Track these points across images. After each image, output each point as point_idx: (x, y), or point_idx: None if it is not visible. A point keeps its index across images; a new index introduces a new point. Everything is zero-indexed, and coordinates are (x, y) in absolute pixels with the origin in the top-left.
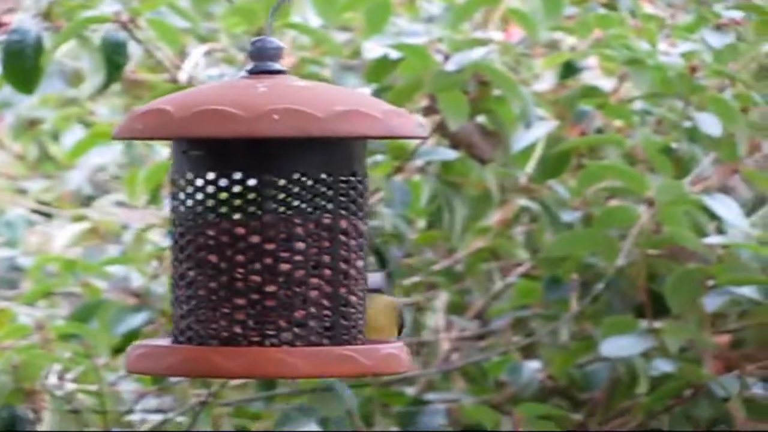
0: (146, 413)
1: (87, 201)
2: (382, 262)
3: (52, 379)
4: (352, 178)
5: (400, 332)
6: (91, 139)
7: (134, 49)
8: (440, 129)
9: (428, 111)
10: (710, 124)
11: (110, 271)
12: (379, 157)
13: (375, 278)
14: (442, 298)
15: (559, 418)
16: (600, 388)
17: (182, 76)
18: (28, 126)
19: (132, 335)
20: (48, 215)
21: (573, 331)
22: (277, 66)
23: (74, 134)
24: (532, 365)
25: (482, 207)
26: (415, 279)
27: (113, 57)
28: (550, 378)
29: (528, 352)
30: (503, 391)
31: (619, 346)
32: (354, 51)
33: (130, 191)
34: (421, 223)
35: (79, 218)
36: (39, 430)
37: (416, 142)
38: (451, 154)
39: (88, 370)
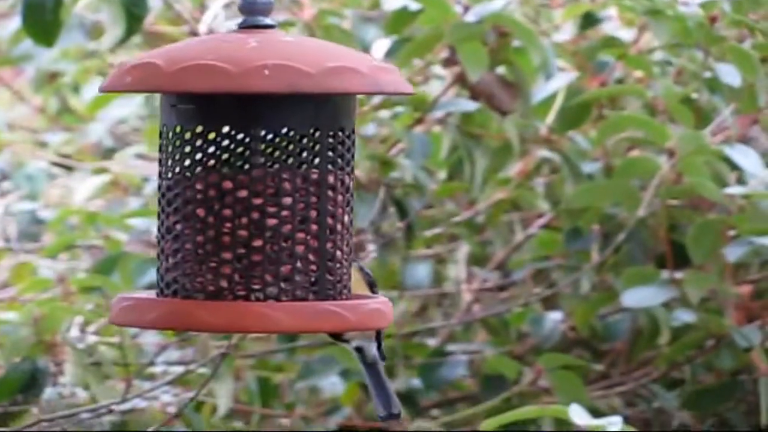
0: (168, 365)
1: (108, 153)
2: (403, 214)
3: (74, 332)
4: (340, 134)
5: (373, 289)
6: (105, 93)
7: (154, 2)
8: (460, 80)
9: (448, 62)
10: (730, 74)
11: (131, 223)
12: (399, 109)
13: None
14: (463, 250)
15: (580, 369)
16: (621, 338)
17: (202, 28)
18: (49, 79)
19: (153, 287)
20: (69, 168)
21: (594, 282)
22: (267, 21)
23: (94, 87)
24: (554, 316)
25: (502, 158)
26: (436, 230)
27: (133, 9)
28: (572, 329)
29: (549, 303)
30: (525, 342)
31: (641, 296)
32: (373, 2)
33: (151, 143)
34: (442, 174)
35: (100, 171)
36: (60, 382)
37: (436, 93)
38: (471, 106)
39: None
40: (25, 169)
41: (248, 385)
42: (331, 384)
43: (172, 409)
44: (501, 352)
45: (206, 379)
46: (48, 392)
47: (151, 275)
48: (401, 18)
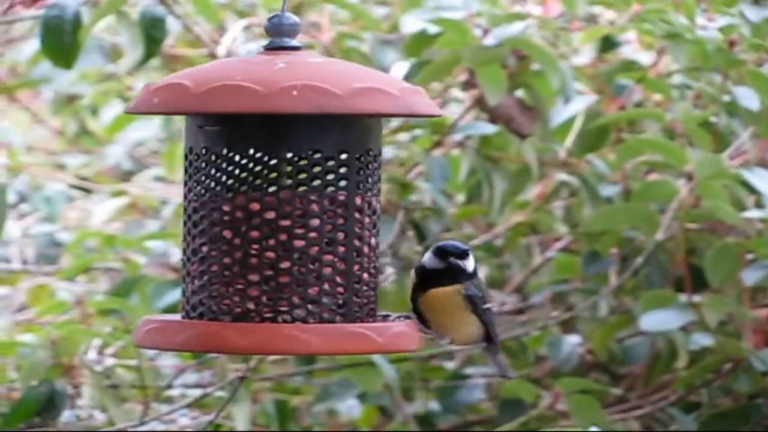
0: (186, 388)
1: (126, 176)
2: (421, 237)
3: (92, 355)
4: (367, 156)
5: (477, 313)
6: (130, 115)
7: (173, 24)
8: (479, 103)
9: (467, 85)
10: (748, 97)
11: (149, 246)
12: (418, 132)
13: (432, 260)
14: (481, 273)
15: (598, 393)
16: (639, 362)
17: (221, 51)
18: (67, 101)
19: (171, 310)
20: (87, 190)
21: (612, 306)
22: (293, 42)
23: (113, 109)
24: (572, 339)
25: (521, 181)
26: None
27: (152, 32)
28: (590, 352)
29: (567, 326)
30: (543, 365)
31: (659, 320)
32: (392, 25)
33: (169, 166)
34: (461, 197)
35: (119, 193)
36: (78, 404)
37: (455, 117)
38: (490, 129)
39: (128, 345)
40: (43, 192)
41: (266, 408)
42: (349, 407)
43: None
44: (519, 375)
45: (224, 402)
46: (66, 415)
47: (170, 298)
48: (420, 41)
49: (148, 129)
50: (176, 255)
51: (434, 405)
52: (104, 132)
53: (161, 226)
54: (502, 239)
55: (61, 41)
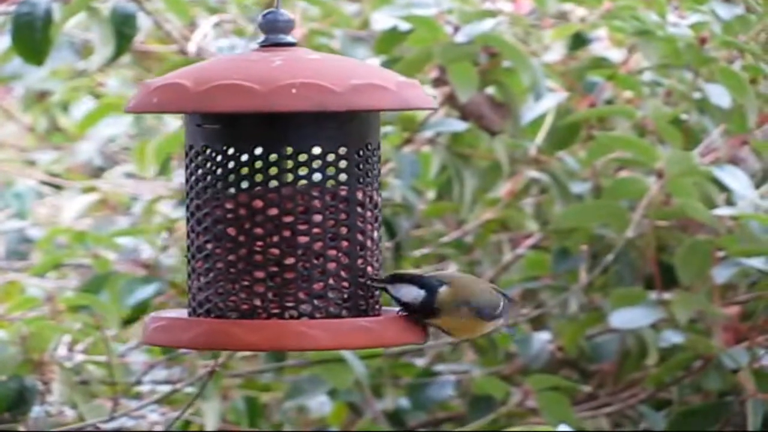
0: (155, 384)
1: (97, 172)
2: (392, 233)
3: (62, 351)
4: (367, 150)
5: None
6: (101, 111)
7: (143, 21)
8: (450, 100)
9: (438, 82)
10: (720, 95)
11: (120, 242)
12: (388, 129)
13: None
14: (452, 270)
15: (568, 390)
16: (609, 359)
17: (191, 48)
18: (38, 98)
19: (142, 307)
20: (58, 187)
21: (582, 303)
22: (289, 38)
23: (84, 106)
24: (542, 337)
25: (492, 178)
26: (425, 250)
27: (122, 29)
28: (560, 349)
29: (537, 323)
30: (513, 362)
31: (629, 317)
32: (363, 22)
33: (140, 163)
34: (431, 194)
35: (89, 190)
36: (48, 400)
37: (426, 113)
38: (460, 126)
39: (98, 341)
40: (14, 188)
41: (236, 405)
42: (319, 404)
43: (159, 428)
44: (489, 372)
45: (193, 398)
46: (35, 410)
47: (140, 294)
48: (391, 38)
49: (119, 126)
50: (146, 251)
51: (404, 402)
52: (75, 128)
53: (132, 222)
54: (473, 236)
55: (32, 38)
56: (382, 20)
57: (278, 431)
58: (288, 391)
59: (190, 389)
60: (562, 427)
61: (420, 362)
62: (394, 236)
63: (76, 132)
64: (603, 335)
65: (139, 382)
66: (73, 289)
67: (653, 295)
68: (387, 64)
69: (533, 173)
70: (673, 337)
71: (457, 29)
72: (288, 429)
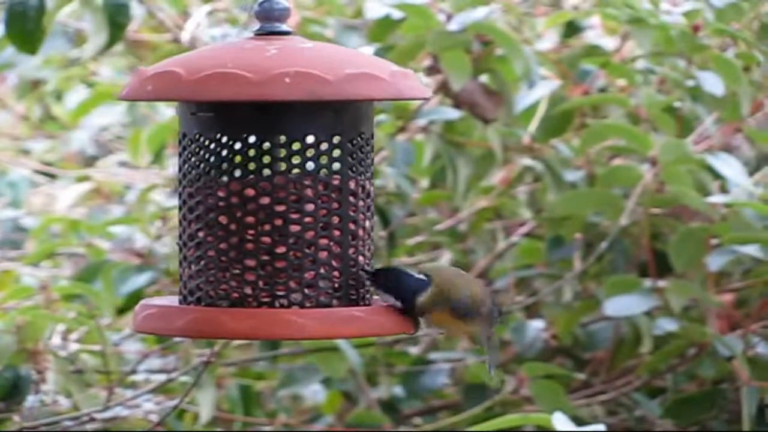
0: (150, 373)
1: (90, 161)
2: (385, 222)
3: (56, 340)
4: (360, 139)
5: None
6: (95, 100)
7: (137, 10)
8: (443, 89)
9: (431, 71)
10: (713, 83)
11: (114, 231)
12: (382, 117)
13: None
14: (446, 258)
15: (562, 378)
16: (604, 347)
17: (185, 37)
18: (32, 86)
19: (136, 295)
20: (51, 176)
21: (577, 291)
22: (284, 27)
23: (77, 95)
24: (536, 325)
25: (485, 166)
26: (419, 239)
27: (116, 17)
28: (554, 337)
29: (532, 311)
30: (507, 350)
31: (623, 305)
32: (356, 10)
33: (134, 152)
34: (424, 182)
35: (83, 179)
36: (42, 390)
37: (419, 102)
38: (454, 114)
39: (92, 330)
40: (8, 177)
41: (230, 393)
42: (313, 392)
43: (154, 417)
44: (483, 360)
45: (188, 388)
46: (30, 400)
47: (134, 283)
48: (384, 26)
49: (112, 114)
50: (140, 240)
51: (398, 390)
52: (68, 117)
53: (125, 211)
54: (466, 224)
55: (26, 27)
56: (375, 8)
57: (272, 419)
58: (282, 380)
59: (184, 378)
60: (558, 414)
61: (414, 350)
62: (388, 224)
63: (70, 121)
64: (597, 323)
65: (133, 372)
66: (67, 278)
67: (647, 282)
68: (380, 53)
69: (527, 161)
70: (667, 325)
71: (450, 17)
72: (282, 417)
